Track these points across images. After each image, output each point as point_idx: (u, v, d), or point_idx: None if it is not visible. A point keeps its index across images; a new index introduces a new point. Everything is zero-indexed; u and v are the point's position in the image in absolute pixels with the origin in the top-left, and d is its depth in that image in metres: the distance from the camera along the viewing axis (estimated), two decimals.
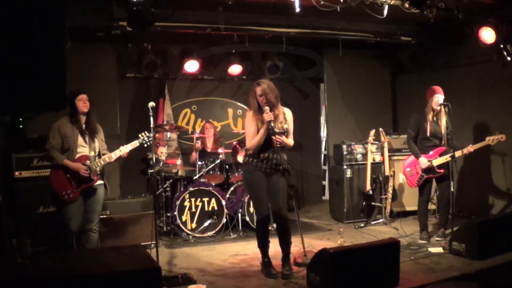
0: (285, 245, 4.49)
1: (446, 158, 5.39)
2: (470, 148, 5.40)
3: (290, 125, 4.50)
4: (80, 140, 4.50)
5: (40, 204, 5.29)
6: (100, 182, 4.63)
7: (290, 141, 4.48)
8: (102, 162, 4.57)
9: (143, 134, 4.72)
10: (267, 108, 4.30)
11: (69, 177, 4.42)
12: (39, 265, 3.32)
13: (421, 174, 5.52)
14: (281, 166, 4.41)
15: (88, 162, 4.50)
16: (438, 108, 5.44)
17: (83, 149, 4.51)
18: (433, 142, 5.50)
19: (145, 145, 4.73)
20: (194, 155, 6.64)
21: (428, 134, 5.47)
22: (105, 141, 4.81)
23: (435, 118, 5.49)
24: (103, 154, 4.65)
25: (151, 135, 4.66)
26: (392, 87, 8.23)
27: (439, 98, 5.42)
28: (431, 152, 5.50)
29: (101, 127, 4.74)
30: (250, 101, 4.46)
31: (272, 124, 4.29)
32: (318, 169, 8.78)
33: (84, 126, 4.54)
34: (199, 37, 6.59)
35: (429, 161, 5.46)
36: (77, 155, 4.48)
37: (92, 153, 4.56)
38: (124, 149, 4.63)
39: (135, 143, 4.68)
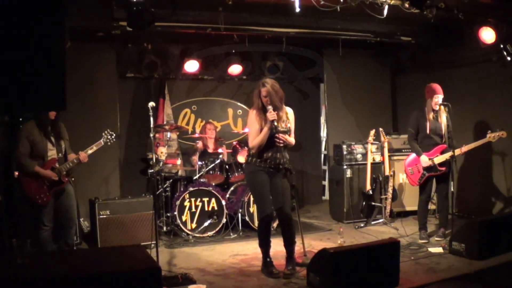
0: (289, 244, 4.50)
1: (446, 158, 5.39)
2: (464, 148, 5.38)
3: (291, 124, 4.53)
4: (48, 144, 4.60)
5: None
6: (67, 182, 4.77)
7: (292, 139, 4.50)
8: (71, 164, 4.70)
9: (106, 132, 4.91)
10: (270, 107, 4.31)
11: (40, 181, 4.52)
12: (39, 265, 3.32)
13: (423, 172, 5.50)
14: (283, 165, 4.43)
15: (57, 165, 4.62)
16: (438, 107, 5.44)
17: (51, 152, 4.62)
18: (433, 140, 5.49)
19: (109, 143, 4.92)
20: (195, 158, 6.64)
21: (428, 132, 5.46)
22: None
23: (435, 116, 5.49)
24: (68, 154, 4.79)
25: (114, 134, 4.90)
26: (392, 87, 8.23)
27: (439, 98, 5.41)
28: (432, 150, 5.49)
29: (63, 125, 4.82)
30: (254, 100, 4.46)
31: (275, 124, 4.29)
32: (318, 169, 8.78)
33: (50, 129, 4.62)
34: (199, 37, 6.59)
35: (430, 159, 5.45)
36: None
37: (60, 155, 4.68)
38: (90, 150, 4.78)
39: (99, 143, 4.85)
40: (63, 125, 4.84)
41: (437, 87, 5.46)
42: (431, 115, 5.46)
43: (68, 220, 4.74)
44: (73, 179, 4.89)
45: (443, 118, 5.46)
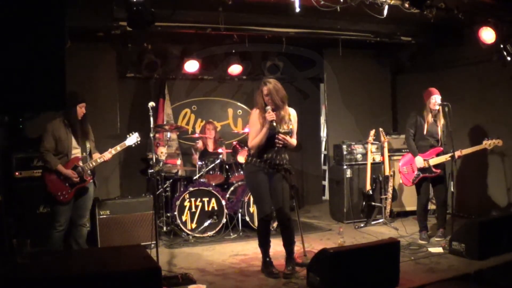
0: (288, 244, 4.51)
1: (446, 158, 5.40)
2: (459, 152, 5.38)
3: (294, 126, 4.52)
4: (73, 143, 4.64)
5: (40, 204, 5.31)
6: (91, 181, 4.79)
7: (293, 141, 4.49)
8: (94, 164, 4.75)
9: (130, 134, 4.97)
10: (268, 108, 4.31)
11: (63, 178, 4.56)
12: (39, 265, 3.32)
13: (417, 172, 5.53)
14: (283, 166, 4.43)
15: (80, 163, 4.66)
16: (437, 109, 5.45)
17: (75, 151, 4.67)
18: (429, 142, 5.52)
19: (133, 145, 4.97)
20: (195, 157, 6.64)
21: (424, 133, 5.49)
22: (105, 141, 5.03)
23: (433, 119, 5.51)
24: (93, 154, 4.85)
25: (139, 137, 4.96)
26: (392, 87, 8.23)
27: (436, 99, 5.43)
28: (427, 152, 5.52)
29: (90, 127, 4.88)
30: (257, 99, 4.46)
31: (274, 124, 4.29)
32: (318, 169, 8.78)
33: (77, 128, 4.66)
34: (199, 37, 6.58)
35: (425, 160, 5.47)
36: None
37: (84, 154, 4.72)
38: (114, 151, 4.83)
39: (123, 144, 4.90)
40: (90, 127, 4.88)
41: (433, 89, 5.50)
42: (429, 117, 5.48)
43: (81, 219, 4.76)
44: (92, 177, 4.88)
45: (441, 122, 5.49)
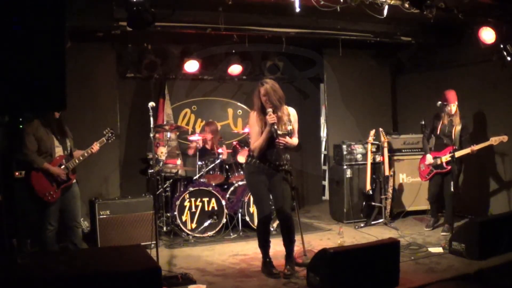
0: (288, 244, 4.51)
1: (446, 158, 5.60)
2: (474, 148, 5.59)
3: (294, 125, 4.50)
4: (55, 141, 4.67)
5: None
6: (74, 180, 4.83)
7: (294, 140, 4.48)
8: (77, 161, 4.77)
9: (107, 130, 4.99)
10: (270, 110, 4.29)
11: (49, 178, 4.58)
12: (39, 265, 3.32)
13: (431, 169, 5.96)
14: (283, 167, 4.42)
15: (64, 161, 4.69)
16: (453, 113, 5.71)
17: (57, 149, 4.69)
18: (444, 141, 5.82)
19: (109, 141, 4.99)
20: (193, 149, 6.62)
21: (438, 133, 5.86)
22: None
23: (449, 120, 5.77)
24: (74, 152, 4.88)
25: (114, 132, 5.00)
26: (392, 87, 8.23)
27: (451, 107, 5.68)
28: (443, 150, 5.83)
29: (67, 127, 4.91)
30: (254, 101, 4.46)
31: (275, 127, 4.28)
32: (318, 169, 8.78)
33: (55, 127, 4.69)
34: (199, 37, 6.58)
35: (436, 157, 5.82)
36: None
37: (66, 152, 4.74)
38: (95, 147, 4.86)
39: (102, 140, 4.93)
40: (67, 126, 4.88)
41: (451, 96, 5.69)
42: (445, 120, 5.79)
43: (73, 220, 4.77)
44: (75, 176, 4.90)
45: (459, 122, 5.75)
